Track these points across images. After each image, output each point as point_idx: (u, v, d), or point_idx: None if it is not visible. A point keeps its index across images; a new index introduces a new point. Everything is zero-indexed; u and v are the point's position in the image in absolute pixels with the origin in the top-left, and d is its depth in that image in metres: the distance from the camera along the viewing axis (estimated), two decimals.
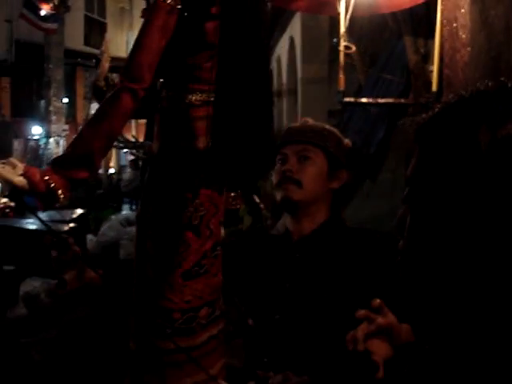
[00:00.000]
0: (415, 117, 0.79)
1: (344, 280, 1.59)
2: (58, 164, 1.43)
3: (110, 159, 11.02)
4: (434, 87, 2.72)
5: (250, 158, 1.55)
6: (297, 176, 1.68)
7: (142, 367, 1.53)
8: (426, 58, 3.46)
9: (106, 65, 1.78)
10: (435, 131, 0.76)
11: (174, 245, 1.49)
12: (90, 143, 1.41)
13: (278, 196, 1.75)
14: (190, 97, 1.49)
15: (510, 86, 0.72)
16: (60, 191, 1.37)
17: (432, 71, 3.15)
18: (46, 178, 1.36)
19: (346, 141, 1.88)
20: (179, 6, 1.43)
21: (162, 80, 1.52)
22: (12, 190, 1.36)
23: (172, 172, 1.51)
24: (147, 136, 1.61)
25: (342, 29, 2.60)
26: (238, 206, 1.73)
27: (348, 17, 2.59)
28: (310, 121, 1.91)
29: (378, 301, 1.06)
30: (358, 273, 1.61)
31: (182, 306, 1.49)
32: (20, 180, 1.35)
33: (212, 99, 1.49)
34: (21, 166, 1.37)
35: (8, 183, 1.36)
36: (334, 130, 1.84)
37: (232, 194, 1.64)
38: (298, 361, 1.48)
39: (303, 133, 1.76)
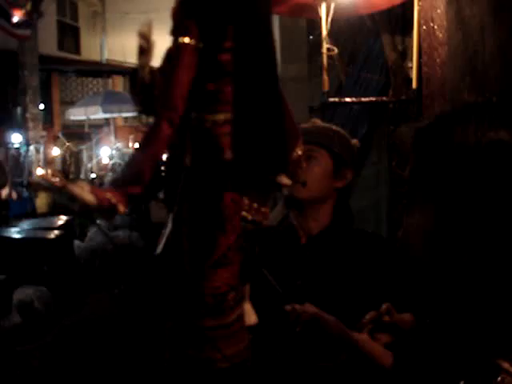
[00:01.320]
0: (412, 123, 0.89)
1: (351, 279, 1.70)
2: (116, 183, 1.73)
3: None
4: (414, 85, 2.83)
5: (267, 165, 1.75)
6: (302, 176, 1.79)
7: (182, 342, 1.82)
8: (404, 55, 3.56)
9: (150, 54, 1.82)
10: (430, 140, 0.85)
11: (205, 240, 1.76)
12: (139, 165, 1.70)
13: (284, 193, 1.87)
14: (214, 117, 1.75)
15: (494, 100, 0.82)
16: (120, 205, 1.64)
17: (410, 67, 3.26)
18: (108, 195, 1.62)
19: (354, 141, 1.98)
20: (201, 45, 1.71)
21: (190, 104, 1.76)
22: (81, 206, 1.62)
23: (203, 180, 1.77)
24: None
25: (324, 32, 2.69)
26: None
27: (329, 20, 2.68)
28: (318, 122, 2.02)
29: (385, 306, 1.20)
30: (362, 272, 1.72)
31: (213, 291, 1.77)
32: (90, 198, 1.59)
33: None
34: (87, 186, 1.62)
35: (78, 200, 1.60)
36: (341, 130, 1.95)
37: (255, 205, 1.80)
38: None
39: (310, 134, 1.89)
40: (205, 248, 1.79)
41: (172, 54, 1.77)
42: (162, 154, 1.77)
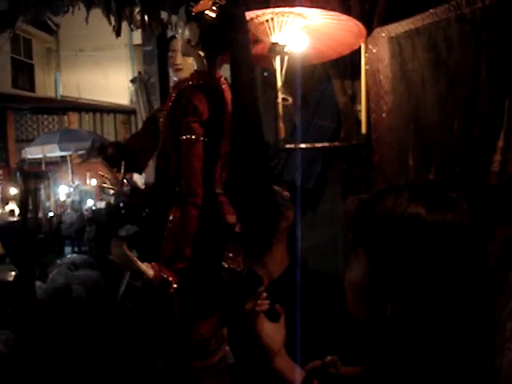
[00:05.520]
0: (357, 196, 1.07)
1: (310, 321, 1.84)
2: (166, 262, 2.08)
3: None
4: (363, 130, 3.02)
5: (262, 222, 2.12)
6: None
7: (170, 381, 2.16)
8: (354, 98, 3.76)
9: None
10: (367, 209, 1.02)
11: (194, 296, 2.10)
12: (180, 245, 2.09)
13: None
14: (215, 189, 2.16)
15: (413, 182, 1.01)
16: (171, 279, 2.03)
17: (360, 111, 3.45)
18: (163, 272, 2.02)
19: (286, 193, 2.26)
20: (206, 139, 2.14)
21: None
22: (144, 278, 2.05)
23: (208, 242, 2.13)
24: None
25: (279, 83, 2.87)
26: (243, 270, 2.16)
27: (283, 72, 2.86)
28: None
29: (330, 358, 1.35)
30: (320, 312, 1.87)
31: (198, 338, 2.11)
32: (150, 272, 2.02)
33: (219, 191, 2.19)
34: (150, 264, 2.07)
35: (143, 272, 2.03)
36: (274, 187, 2.25)
37: (230, 255, 2.10)
38: None
39: None
40: (194, 302, 2.11)
41: (183, 149, 2.15)
42: (194, 232, 2.10)
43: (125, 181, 2.64)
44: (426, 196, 0.97)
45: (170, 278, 2.01)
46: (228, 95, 2.23)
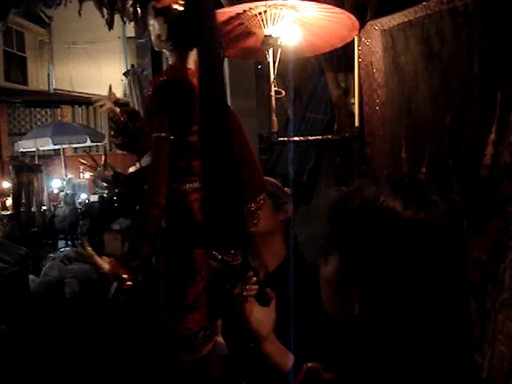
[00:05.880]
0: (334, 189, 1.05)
1: (304, 315, 1.85)
2: (123, 258, 2.12)
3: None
4: (357, 123, 3.02)
5: (229, 227, 2.09)
6: None
7: (157, 375, 2.16)
8: (347, 91, 3.77)
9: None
10: (343, 204, 1.01)
11: (178, 289, 2.12)
12: (137, 244, 2.10)
13: None
14: (184, 186, 2.15)
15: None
16: (125, 276, 2.07)
17: (353, 104, 3.45)
18: (117, 269, 2.07)
19: (286, 189, 2.26)
20: (172, 137, 2.12)
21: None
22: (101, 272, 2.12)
23: (177, 239, 2.13)
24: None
25: (272, 76, 2.86)
26: (239, 262, 2.16)
27: (276, 65, 2.85)
28: None
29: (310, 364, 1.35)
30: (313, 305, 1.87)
31: (185, 332, 2.13)
32: (105, 267, 2.09)
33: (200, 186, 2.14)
34: (109, 259, 2.12)
35: (99, 267, 2.12)
36: (273, 180, 2.24)
37: (232, 252, 2.11)
38: None
39: None
40: (178, 296, 2.11)
41: (153, 147, 2.14)
42: (153, 231, 2.11)
43: (109, 168, 2.75)
44: (405, 192, 0.96)
45: (125, 276, 2.04)
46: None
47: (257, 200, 2.17)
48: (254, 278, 1.58)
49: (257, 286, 1.55)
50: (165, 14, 2.18)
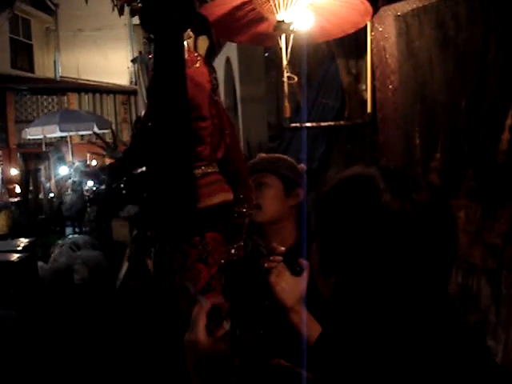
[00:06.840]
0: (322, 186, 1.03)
1: (314, 299, 1.85)
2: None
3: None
4: (369, 109, 3.01)
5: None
6: (256, 201, 2.04)
7: (173, 358, 2.06)
8: (358, 77, 3.76)
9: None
10: (328, 203, 0.98)
11: (191, 273, 2.11)
12: None
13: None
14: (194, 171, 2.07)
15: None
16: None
17: (365, 90, 3.44)
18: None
19: (300, 165, 2.18)
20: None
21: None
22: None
23: (183, 223, 2.09)
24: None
25: (285, 62, 2.85)
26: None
27: (289, 50, 2.84)
28: (263, 155, 2.25)
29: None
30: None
31: None
32: None
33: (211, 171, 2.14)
34: None
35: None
36: (286, 157, 2.18)
37: (235, 245, 2.08)
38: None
39: (257, 164, 2.14)
40: (192, 279, 2.07)
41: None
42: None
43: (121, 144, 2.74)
44: (392, 180, 0.91)
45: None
46: (198, 77, 2.14)
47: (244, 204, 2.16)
48: (282, 249, 1.56)
49: (281, 257, 1.54)
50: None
